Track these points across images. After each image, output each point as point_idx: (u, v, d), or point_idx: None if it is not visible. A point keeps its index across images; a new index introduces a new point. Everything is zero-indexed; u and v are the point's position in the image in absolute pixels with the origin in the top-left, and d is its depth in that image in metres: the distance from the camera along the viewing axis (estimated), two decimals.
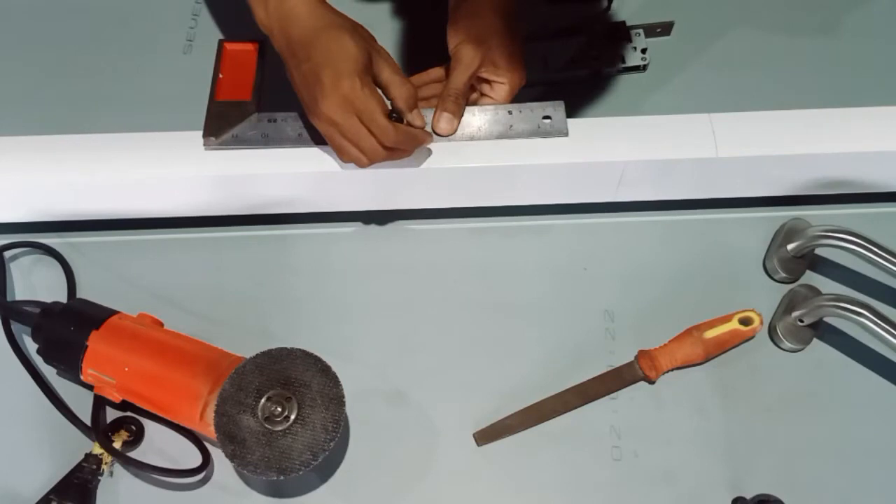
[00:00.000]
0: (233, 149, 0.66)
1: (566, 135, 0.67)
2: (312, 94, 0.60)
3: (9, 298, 0.68)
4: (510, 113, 0.68)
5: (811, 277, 0.71)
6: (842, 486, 0.63)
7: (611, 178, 0.68)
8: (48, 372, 0.65)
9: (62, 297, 0.68)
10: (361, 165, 0.63)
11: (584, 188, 0.70)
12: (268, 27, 0.63)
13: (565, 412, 0.65)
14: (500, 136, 0.67)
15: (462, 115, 0.67)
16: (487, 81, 0.68)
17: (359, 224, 0.73)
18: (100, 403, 0.64)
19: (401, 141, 0.62)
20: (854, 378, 0.67)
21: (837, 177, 0.70)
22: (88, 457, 0.62)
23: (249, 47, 0.71)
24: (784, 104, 0.69)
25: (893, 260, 0.64)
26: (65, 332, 0.62)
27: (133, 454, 0.63)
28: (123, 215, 0.70)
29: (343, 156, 0.63)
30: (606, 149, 0.67)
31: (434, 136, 0.66)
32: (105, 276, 0.70)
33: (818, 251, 0.71)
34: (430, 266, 0.71)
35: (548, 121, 0.67)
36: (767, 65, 0.81)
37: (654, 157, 0.67)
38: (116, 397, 0.62)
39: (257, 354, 0.59)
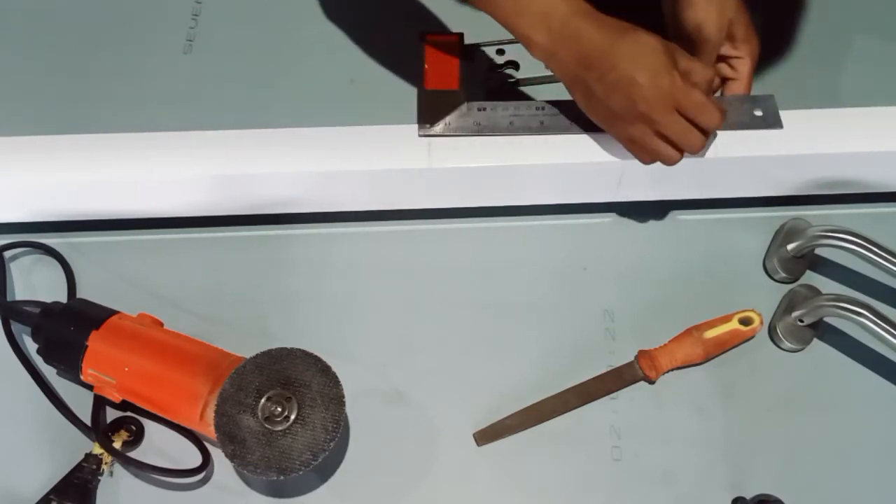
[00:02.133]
0: (448, 136, 0.67)
1: (782, 127, 0.67)
2: (628, 99, 0.59)
3: (9, 298, 0.68)
4: None
5: (811, 277, 0.71)
6: (842, 486, 0.63)
7: (611, 178, 0.68)
8: (48, 372, 0.65)
9: (62, 297, 0.68)
10: (673, 162, 0.63)
11: (584, 188, 0.70)
12: (551, 50, 0.61)
13: (565, 412, 0.65)
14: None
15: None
16: (723, 59, 0.67)
17: (359, 224, 0.73)
18: (100, 403, 0.64)
19: (721, 121, 0.61)
20: (854, 378, 0.67)
21: (837, 177, 0.70)
22: (88, 457, 0.62)
23: (452, 38, 0.72)
24: (784, 104, 0.69)
25: (893, 260, 0.64)
26: (65, 332, 0.62)
27: (133, 454, 0.63)
28: (123, 215, 0.70)
29: (653, 157, 0.63)
30: (606, 149, 0.67)
31: None
32: (105, 276, 0.70)
33: (818, 251, 0.71)
34: (430, 266, 0.71)
35: (759, 112, 0.68)
36: (767, 64, 0.81)
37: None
38: (116, 397, 0.62)
39: (257, 354, 0.59)
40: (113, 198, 0.68)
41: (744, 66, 0.67)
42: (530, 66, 0.78)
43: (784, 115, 0.68)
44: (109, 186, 0.67)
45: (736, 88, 0.68)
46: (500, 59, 0.79)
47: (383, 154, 0.67)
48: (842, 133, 0.68)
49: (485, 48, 0.79)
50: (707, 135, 0.62)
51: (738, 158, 0.67)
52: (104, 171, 0.66)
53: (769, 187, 0.71)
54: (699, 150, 0.63)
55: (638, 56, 0.59)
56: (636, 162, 0.65)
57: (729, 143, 0.67)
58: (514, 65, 0.79)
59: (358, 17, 0.84)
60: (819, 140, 0.68)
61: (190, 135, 0.68)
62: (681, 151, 0.62)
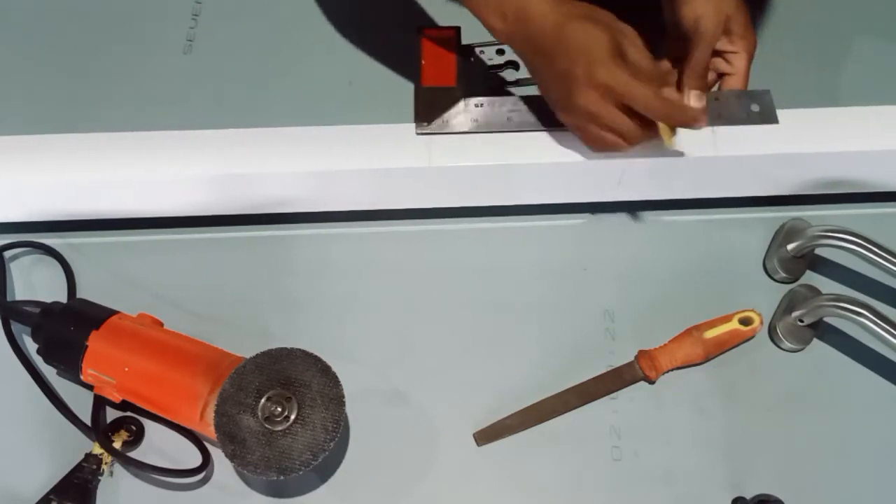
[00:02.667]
0: (445, 133, 0.67)
1: (777, 122, 0.67)
2: (567, 88, 0.60)
3: (9, 298, 0.68)
4: (717, 100, 0.67)
5: (811, 277, 0.71)
6: (842, 486, 0.63)
7: (611, 177, 0.68)
8: (48, 372, 0.65)
9: (62, 297, 0.68)
10: (621, 150, 0.63)
11: (585, 188, 0.70)
12: (507, 34, 0.62)
13: (565, 412, 0.65)
14: (710, 124, 0.66)
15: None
16: (720, 55, 0.67)
17: (359, 224, 0.73)
18: (100, 403, 0.64)
19: (667, 112, 0.61)
20: (854, 378, 0.67)
21: (837, 177, 0.70)
22: (88, 457, 0.62)
23: (449, 33, 0.72)
24: (784, 103, 0.69)
25: (893, 260, 0.64)
26: (65, 332, 0.62)
27: (133, 454, 0.63)
28: (123, 215, 0.70)
29: (599, 145, 0.63)
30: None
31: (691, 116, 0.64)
32: (105, 276, 0.70)
33: (818, 251, 0.71)
34: (430, 266, 0.71)
35: (756, 108, 0.68)
36: (767, 64, 0.81)
37: (654, 156, 0.67)
38: (116, 397, 0.62)
39: (257, 354, 0.59)
40: (112, 198, 0.68)
41: (740, 61, 0.67)
42: None
43: (784, 113, 0.68)
44: (109, 186, 0.67)
45: (732, 83, 0.68)
46: (499, 59, 0.79)
47: (383, 153, 0.67)
48: (842, 132, 0.68)
49: (485, 48, 0.79)
50: (653, 127, 0.62)
51: (738, 157, 0.67)
52: (104, 170, 0.66)
53: (769, 187, 0.71)
54: (634, 142, 0.63)
55: (578, 46, 0.59)
56: (636, 162, 0.66)
57: (729, 142, 0.67)
58: (514, 65, 0.79)
59: (357, 16, 0.84)
60: (819, 139, 0.67)
61: (190, 134, 0.68)
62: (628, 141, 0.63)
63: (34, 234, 0.71)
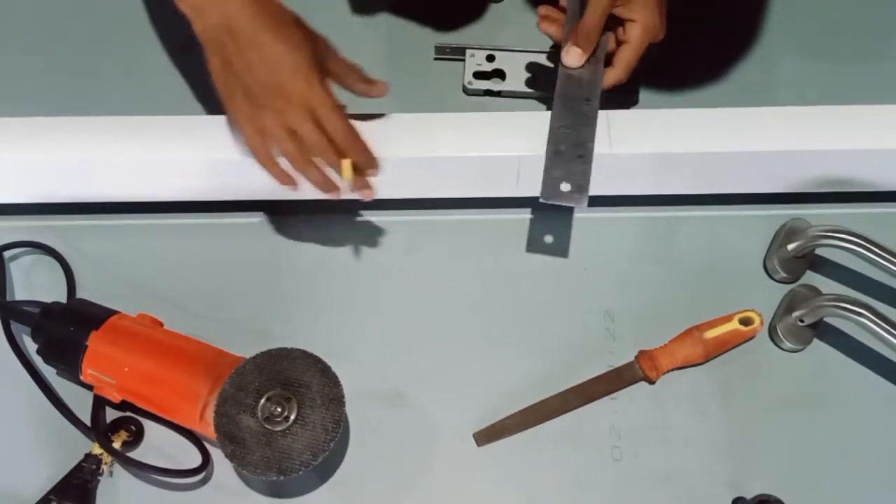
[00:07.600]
0: None
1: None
2: (273, 79, 0.57)
3: (9, 298, 0.68)
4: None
5: (811, 277, 0.71)
6: (842, 486, 0.63)
7: (606, 171, 0.68)
8: (48, 372, 0.65)
9: (62, 297, 0.68)
10: (290, 185, 0.62)
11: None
12: (198, 5, 0.58)
13: (565, 412, 0.65)
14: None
15: (591, 53, 0.63)
16: (620, 23, 0.65)
17: (359, 224, 0.73)
18: (100, 403, 0.64)
19: (356, 145, 0.60)
20: (854, 378, 0.67)
21: (838, 175, 0.70)
22: (88, 457, 0.62)
23: None
24: (785, 102, 0.69)
25: (893, 260, 0.64)
26: (65, 332, 0.62)
27: (133, 454, 0.63)
28: (120, 198, 0.70)
29: (285, 150, 0.60)
30: (612, 146, 0.66)
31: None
32: (105, 276, 0.70)
33: (818, 251, 0.71)
34: (430, 266, 0.71)
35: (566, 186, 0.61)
36: (768, 64, 0.81)
37: (653, 150, 0.66)
38: (116, 397, 0.62)
39: (257, 354, 0.59)
40: (109, 181, 0.68)
41: (632, 31, 0.64)
42: (515, 80, 0.77)
43: (786, 110, 0.68)
44: (106, 166, 0.66)
45: (625, 54, 0.66)
46: (488, 66, 0.78)
47: (383, 141, 0.66)
48: (844, 130, 0.68)
49: (476, 51, 0.78)
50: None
51: (738, 153, 0.67)
52: (102, 153, 0.66)
53: (770, 184, 0.71)
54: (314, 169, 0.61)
55: (287, 40, 0.57)
56: (635, 160, 0.65)
57: (730, 138, 0.67)
58: (501, 74, 0.78)
59: (356, 14, 0.84)
60: (821, 136, 0.67)
61: (188, 119, 0.68)
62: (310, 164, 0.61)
63: (34, 234, 0.71)
